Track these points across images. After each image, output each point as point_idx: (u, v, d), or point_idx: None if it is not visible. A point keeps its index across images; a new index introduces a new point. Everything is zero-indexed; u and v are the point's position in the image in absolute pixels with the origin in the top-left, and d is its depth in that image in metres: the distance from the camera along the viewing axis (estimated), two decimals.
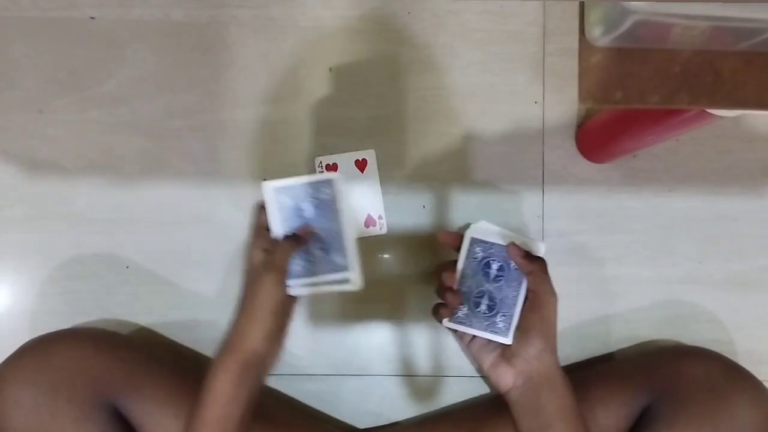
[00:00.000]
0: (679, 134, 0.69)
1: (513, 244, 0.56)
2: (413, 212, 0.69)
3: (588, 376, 0.63)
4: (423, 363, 0.68)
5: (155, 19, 0.69)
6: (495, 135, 0.69)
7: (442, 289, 0.59)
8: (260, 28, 0.69)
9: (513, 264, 0.57)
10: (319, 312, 0.68)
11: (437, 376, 0.68)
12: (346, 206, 0.55)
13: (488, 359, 0.56)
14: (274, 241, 0.54)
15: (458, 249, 0.59)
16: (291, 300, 0.55)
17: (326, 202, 0.55)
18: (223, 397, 0.50)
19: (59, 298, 0.67)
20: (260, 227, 0.56)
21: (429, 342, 0.68)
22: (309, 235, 0.55)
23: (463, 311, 0.58)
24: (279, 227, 0.55)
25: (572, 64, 0.70)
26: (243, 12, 0.69)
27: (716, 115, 0.45)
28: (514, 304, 0.56)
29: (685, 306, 0.69)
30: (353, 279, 0.55)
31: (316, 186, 0.55)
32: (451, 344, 0.68)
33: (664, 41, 0.39)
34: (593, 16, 0.39)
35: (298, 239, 0.54)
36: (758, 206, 0.70)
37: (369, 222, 0.66)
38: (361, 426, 0.68)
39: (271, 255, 0.53)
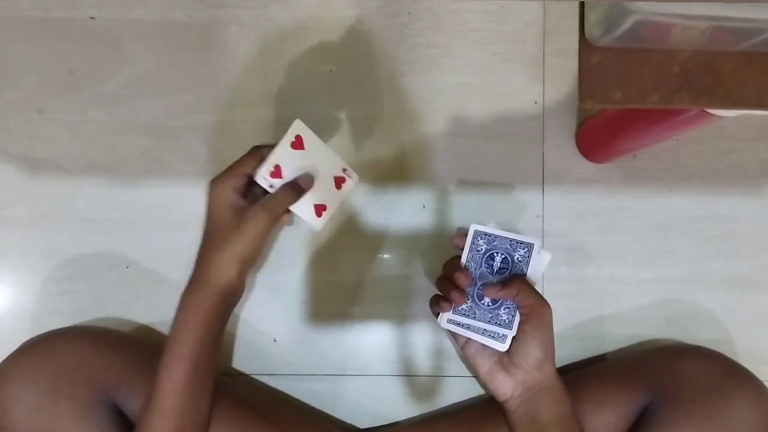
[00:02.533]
0: (679, 134, 0.69)
1: (487, 286, 0.55)
2: (413, 212, 0.69)
3: (587, 375, 0.63)
4: (423, 363, 0.68)
5: (155, 19, 0.69)
6: (495, 135, 0.69)
7: (449, 287, 0.58)
8: (260, 28, 0.69)
9: (517, 255, 0.57)
10: (319, 312, 0.68)
11: (437, 376, 0.68)
12: (533, 274, 0.57)
13: (485, 365, 0.56)
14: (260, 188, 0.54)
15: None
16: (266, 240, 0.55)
17: (516, 261, 0.57)
18: (198, 330, 0.51)
19: (59, 298, 0.67)
20: (240, 171, 0.54)
21: (429, 342, 0.68)
22: (309, 187, 0.55)
23: (466, 304, 0.58)
24: (465, 265, 0.58)
25: (572, 64, 0.71)
26: (243, 12, 0.69)
27: (716, 115, 0.45)
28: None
29: (685, 306, 0.69)
30: (508, 340, 0.56)
31: (514, 243, 0.57)
32: (452, 344, 0.68)
33: (664, 41, 0.39)
34: (593, 16, 0.39)
35: (297, 190, 0.54)
36: (758, 206, 0.70)
37: (339, 182, 0.59)
38: (361, 426, 0.68)
39: (272, 199, 0.53)
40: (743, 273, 0.70)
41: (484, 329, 0.57)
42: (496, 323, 0.56)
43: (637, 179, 0.70)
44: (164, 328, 0.68)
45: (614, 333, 0.69)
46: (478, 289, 0.58)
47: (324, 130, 0.69)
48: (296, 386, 0.68)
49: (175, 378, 0.50)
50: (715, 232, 0.70)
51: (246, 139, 0.68)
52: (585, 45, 0.41)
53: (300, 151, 0.57)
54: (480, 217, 0.69)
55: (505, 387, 0.54)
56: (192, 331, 0.51)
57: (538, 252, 0.57)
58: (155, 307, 0.68)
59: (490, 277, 0.58)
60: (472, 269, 0.58)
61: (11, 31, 0.69)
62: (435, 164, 0.69)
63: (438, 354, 0.68)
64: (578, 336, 0.69)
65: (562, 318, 0.69)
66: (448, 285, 0.57)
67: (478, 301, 0.57)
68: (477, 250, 0.58)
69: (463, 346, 0.59)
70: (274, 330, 0.68)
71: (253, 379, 0.68)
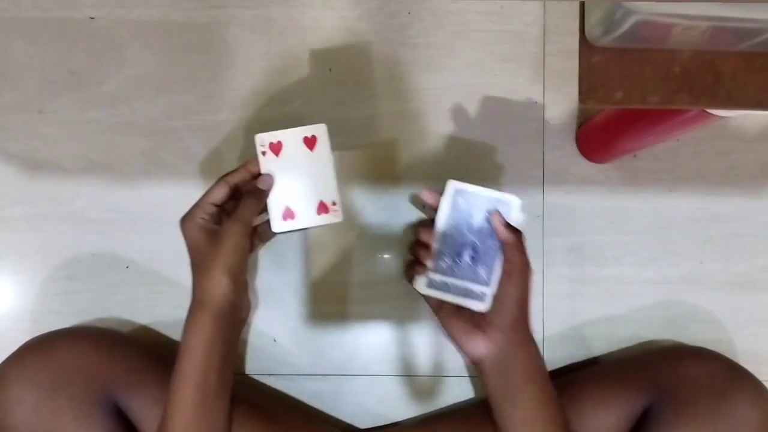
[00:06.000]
0: (680, 134, 0.69)
1: (497, 212, 0.56)
2: (413, 212, 0.69)
3: (588, 376, 0.63)
4: (423, 363, 0.68)
5: (155, 19, 0.69)
6: (495, 135, 0.69)
7: (417, 245, 0.59)
8: (260, 28, 0.69)
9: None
10: (319, 312, 0.68)
11: (437, 376, 0.68)
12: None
13: (460, 326, 0.56)
14: (218, 215, 0.56)
15: (436, 209, 0.59)
16: (249, 249, 0.57)
17: None
18: (201, 348, 0.52)
19: (59, 298, 0.67)
20: (207, 201, 0.56)
21: (429, 342, 0.68)
22: (270, 187, 0.57)
23: (446, 262, 0.58)
24: (443, 223, 0.57)
25: (572, 64, 0.70)
26: (243, 12, 0.69)
27: (716, 116, 0.45)
28: (496, 255, 0.57)
29: (685, 306, 0.69)
30: (489, 298, 0.56)
31: (495, 202, 0.57)
32: (452, 344, 0.68)
33: (665, 41, 0.39)
34: (593, 17, 0.39)
35: (259, 194, 0.56)
36: (758, 206, 0.70)
37: (321, 209, 0.57)
38: (361, 426, 0.68)
39: (240, 208, 0.54)
40: (744, 273, 0.70)
41: (464, 288, 0.57)
42: (474, 281, 0.57)
43: (637, 179, 0.70)
44: (164, 329, 0.68)
45: (615, 333, 0.69)
46: (458, 247, 0.58)
47: None
48: (296, 386, 0.68)
49: (182, 396, 0.51)
50: (715, 233, 0.70)
51: (246, 139, 0.68)
52: (585, 45, 0.41)
53: (306, 150, 0.57)
54: None
55: (480, 347, 0.55)
56: (194, 350, 0.52)
57: (519, 209, 0.57)
58: (155, 307, 0.68)
59: (469, 236, 0.57)
60: (452, 227, 0.58)
61: (11, 31, 0.69)
62: (435, 164, 0.69)
63: (438, 354, 0.68)
64: (579, 336, 0.69)
65: (562, 318, 0.69)
66: (418, 245, 0.59)
67: (457, 260, 0.57)
68: (457, 208, 0.58)
69: (436, 310, 0.59)
70: (274, 330, 0.68)
71: (253, 379, 0.68)
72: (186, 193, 0.68)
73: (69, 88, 0.69)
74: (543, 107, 0.70)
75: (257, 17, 0.69)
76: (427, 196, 0.59)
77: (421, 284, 0.58)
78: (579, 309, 0.69)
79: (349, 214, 0.68)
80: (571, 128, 0.70)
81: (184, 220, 0.55)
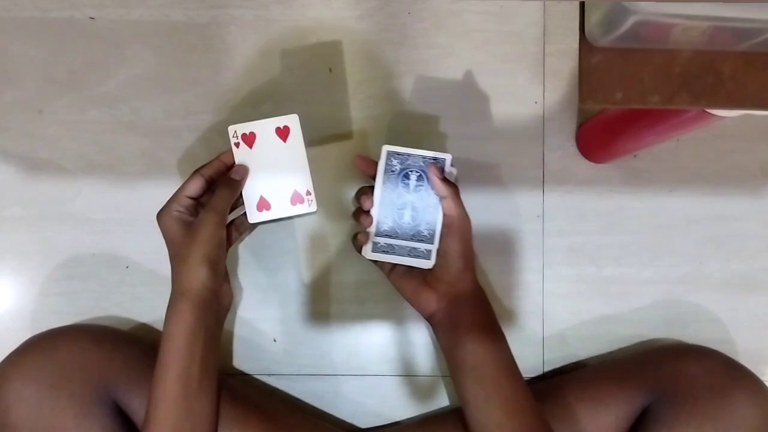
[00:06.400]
0: (680, 134, 0.69)
1: (433, 165, 0.57)
2: None
3: (588, 375, 0.63)
4: (423, 363, 0.68)
5: (155, 19, 0.69)
6: (495, 135, 0.69)
7: (358, 212, 0.60)
8: (260, 28, 0.69)
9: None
10: (319, 312, 0.68)
11: (437, 376, 0.68)
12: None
13: (410, 285, 0.58)
14: (194, 207, 0.56)
15: (374, 177, 0.60)
16: (226, 240, 0.57)
17: (431, 176, 0.58)
18: (182, 337, 0.52)
19: (59, 298, 0.67)
20: (182, 194, 0.56)
21: (429, 342, 0.68)
22: (244, 177, 0.57)
23: (388, 225, 0.59)
24: (381, 186, 0.59)
25: (572, 64, 0.71)
26: (243, 12, 0.69)
27: (716, 116, 0.45)
28: (435, 212, 0.58)
29: (686, 306, 0.69)
30: (433, 254, 0.57)
31: (427, 160, 0.58)
32: None
33: (665, 41, 0.39)
34: (593, 17, 0.39)
35: (232, 183, 0.56)
36: (758, 206, 0.70)
37: (296, 199, 0.58)
38: (361, 426, 0.68)
39: (214, 198, 0.55)
40: (744, 273, 0.70)
41: (409, 248, 0.58)
42: (418, 239, 0.58)
43: (637, 179, 0.70)
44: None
45: (614, 333, 0.69)
46: (398, 209, 0.59)
47: (324, 130, 0.69)
48: (296, 386, 0.68)
49: (166, 386, 0.51)
50: (715, 233, 0.70)
51: None
52: (585, 45, 0.41)
53: (279, 141, 0.58)
54: (482, 217, 0.69)
55: (431, 301, 0.57)
56: (175, 338, 0.52)
57: (452, 165, 0.58)
58: (155, 307, 0.68)
59: (407, 196, 0.59)
60: (390, 189, 0.59)
61: (11, 31, 0.69)
62: None
63: (438, 354, 0.68)
64: (578, 336, 0.69)
65: (562, 318, 0.69)
66: (359, 211, 0.60)
67: (398, 221, 0.59)
68: (392, 171, 0.59)
69: (388, 273, 0.61)
70: (274, 330, 0.68)
71: (253, 378, 0.68)
72: None
73: (69, 88, 0.69)
74: (543, 107, 0.70)
75: (257, 17, 0.69)
76: (360, 164, 0.60)
77: (367, 250, 0.60)
78: (579, 309, 0.69)
79: (348, 213, 0.68)
80: (571, 128, 0.70)
81: (160, 214, 0.55)
